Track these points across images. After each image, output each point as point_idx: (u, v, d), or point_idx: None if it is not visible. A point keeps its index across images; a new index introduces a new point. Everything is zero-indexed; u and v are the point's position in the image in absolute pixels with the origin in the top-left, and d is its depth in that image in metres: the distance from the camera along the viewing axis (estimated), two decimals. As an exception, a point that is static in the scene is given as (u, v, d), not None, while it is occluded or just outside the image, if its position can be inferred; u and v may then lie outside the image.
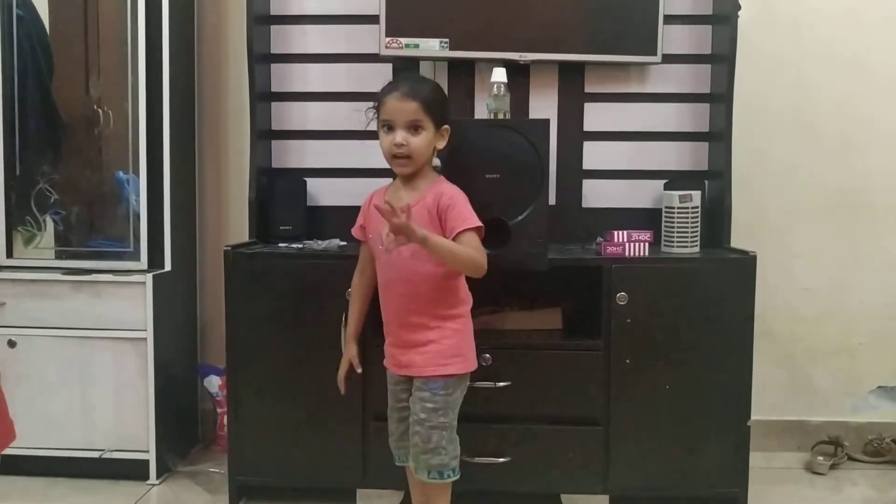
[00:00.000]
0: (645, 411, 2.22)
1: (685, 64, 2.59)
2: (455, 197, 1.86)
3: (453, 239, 1.81)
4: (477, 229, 1.84)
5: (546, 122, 2.20)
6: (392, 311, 1.92)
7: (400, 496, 2.28)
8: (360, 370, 2.05)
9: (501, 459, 2.13)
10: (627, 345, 2.20)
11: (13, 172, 2.54)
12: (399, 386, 1.96)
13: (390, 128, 1.86)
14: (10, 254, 2.56)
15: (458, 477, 1.92)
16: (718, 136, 2.51)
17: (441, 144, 1.91)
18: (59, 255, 2.58)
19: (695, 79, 2.60)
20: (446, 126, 1.91)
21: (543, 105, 2.61)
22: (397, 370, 1.94)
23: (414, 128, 1.84)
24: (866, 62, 2.69)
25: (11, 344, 2.44)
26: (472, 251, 1.81)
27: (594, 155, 2.62)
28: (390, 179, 2.57)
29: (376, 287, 1.98)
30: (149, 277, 2.43)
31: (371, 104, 1.92)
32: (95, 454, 2.48)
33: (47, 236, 2.59)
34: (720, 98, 2.49)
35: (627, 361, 2.20)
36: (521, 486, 2.24)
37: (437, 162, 2.00)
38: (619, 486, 2.25)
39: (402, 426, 1.96)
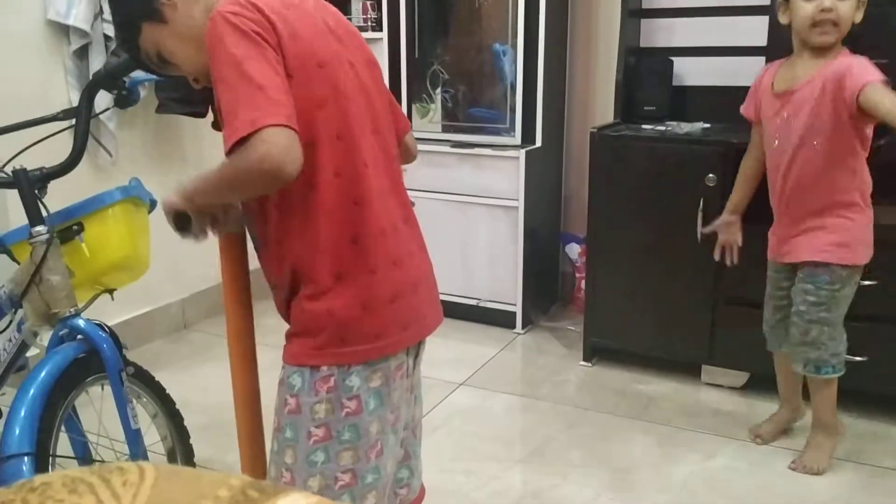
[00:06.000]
0: None
1: None
2: (855, 62, 1.70)
3: (858, 94, 1.64)
4: (882, 83, 1.65)
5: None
6: (780, 196, 1.87)
7: (745, 377, 2.34)
8: (731, 263, 2.03)
9: (858, 358, 2.06)
10: None
11: (413, 55, 2.90)
12: (780, 274, 1.94)
13: None
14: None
15: (838, 374, 1.89)
16: None
17: (858, 17, 1.76)
18: (445, 129, 2.93)
19: None
20: None
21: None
22: (778, 258, 1.92)
23: None
24: None
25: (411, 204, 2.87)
26: None
27: None
28: (761, 58, 2.49)
29: (764, 171, 1.93)
30: (522, 153, 2.67)
31: None
32: (472, 301, 2.88)
33: (438, 111, 2.94)
34: None
35: None
36: (874, 385, 2.15)
37: None
38: None
39: (779, 314, 1.95)
